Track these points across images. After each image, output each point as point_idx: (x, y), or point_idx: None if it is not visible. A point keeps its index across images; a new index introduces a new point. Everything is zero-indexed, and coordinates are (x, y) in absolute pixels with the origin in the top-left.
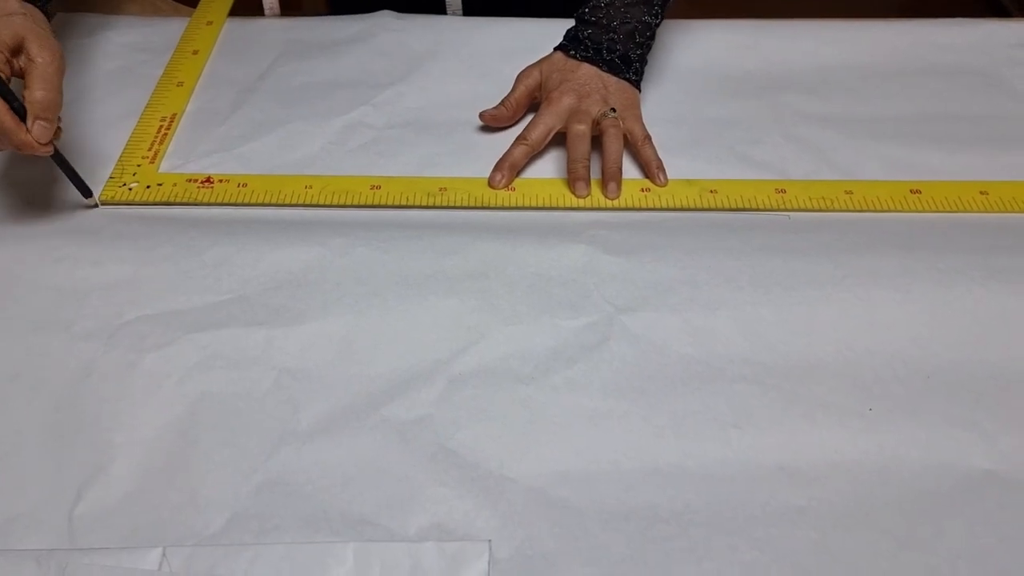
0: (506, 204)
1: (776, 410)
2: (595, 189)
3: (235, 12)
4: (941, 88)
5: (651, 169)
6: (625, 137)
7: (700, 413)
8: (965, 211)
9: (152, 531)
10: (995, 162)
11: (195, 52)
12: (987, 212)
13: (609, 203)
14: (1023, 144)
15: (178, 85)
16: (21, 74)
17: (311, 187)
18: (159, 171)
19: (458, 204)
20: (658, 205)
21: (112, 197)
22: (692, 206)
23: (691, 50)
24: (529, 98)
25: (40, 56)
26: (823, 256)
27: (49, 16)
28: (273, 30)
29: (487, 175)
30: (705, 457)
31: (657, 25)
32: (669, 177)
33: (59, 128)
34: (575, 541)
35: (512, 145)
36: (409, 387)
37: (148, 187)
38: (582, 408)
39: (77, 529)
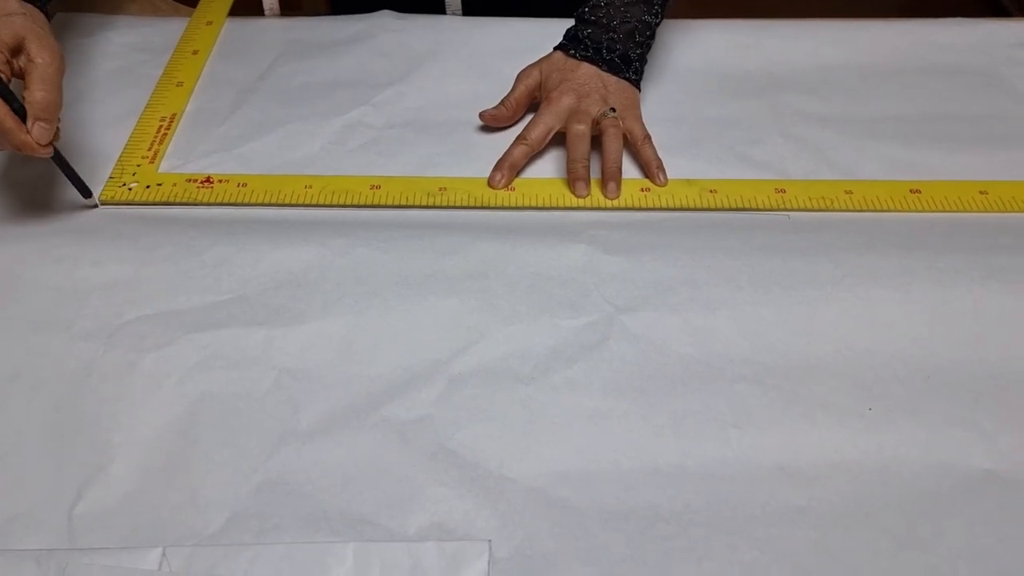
0: (506, 204)
1: (776, 410)
2: (595, 189)
3: (235, 12)
4: (941, 88)
5: (651, 169)
6: (625, 137)
7: (700, 413)
8: (965, 211)
9: (152, 531)
10: (995, 162)
11: (195, 52)
12: (987, 212)
13: (609, 203)
14: (1023, 144)
15: (178, 85)
16: (21, 75)
17: (311, 187)
18: (159, 171)
19: (458, 204)
20: (658, 205)
21: (112, 197)
22: (692, 206)
23: (691, 50)
24: (529, 98)
25: (40, 57)
26: (823, 256)
27: (49, 16)
28: (273, 30)
29: (487, 175)
30: (705, 457)
31: (657, 24)
32: (669, 177)
33: (58, 129)
34: (575, 541)
35: (512, 145)
36: (409, 387)
37: (148, 187)
38: (582, 408)
39: (77, 529)
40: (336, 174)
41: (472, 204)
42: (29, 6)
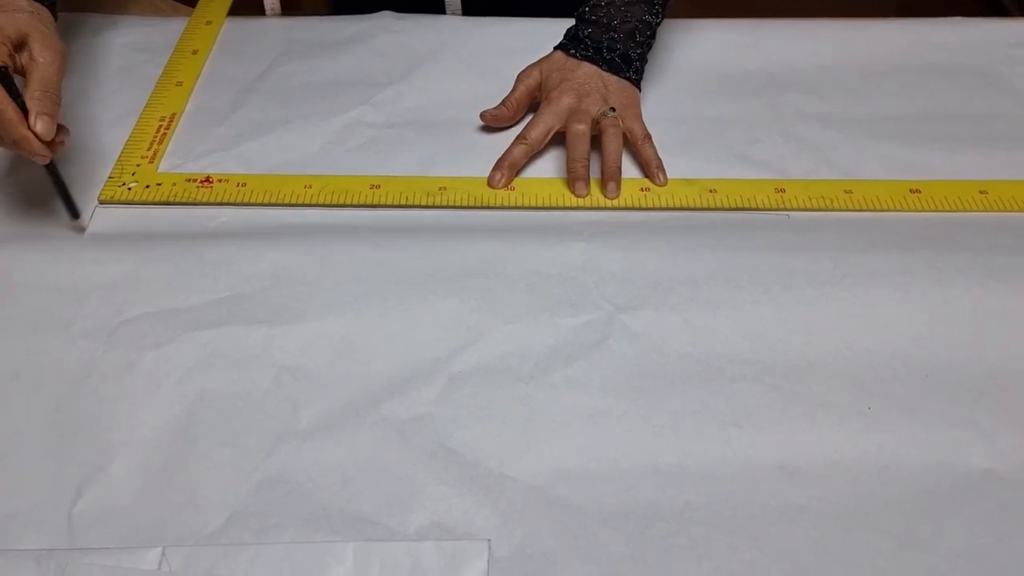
0: (506, 204)
1: (776, 409)
2: (595, 189)
3: (234, 12)
4: (940, 87)
5: (651, 168)
6: (625, 136)
7: (700, 412)
8: (964, 210)
9: (152, 530)
10: (994, 161)
11: (194, 52)
12: (986, 211)
13: (609, 202)
14: (1022, 143)
15: (177, 85)
16: (23, 71)
17: (310, 187)
18: (158, 171)
19: (458, 204)
20: (658, 204)
21: (112, 197)
22: (692, 206)
23: (691, 49)
24: (529, 98)
25: (42, 56)
26: (823, 256)
27: (56, 16)
28: (272, 30)
29: (487, 175)
30: (705, 456)
31: (657, 24)
32: (669, 177)
33: (62, 142)
34: (575, 540)
35: (512, 144)
36: (409, 386)
37: (147, 187)
38: (582, 407)
39: (77, 528)
40: (336, 174)
41: (472, 204)
42: (37, 4)
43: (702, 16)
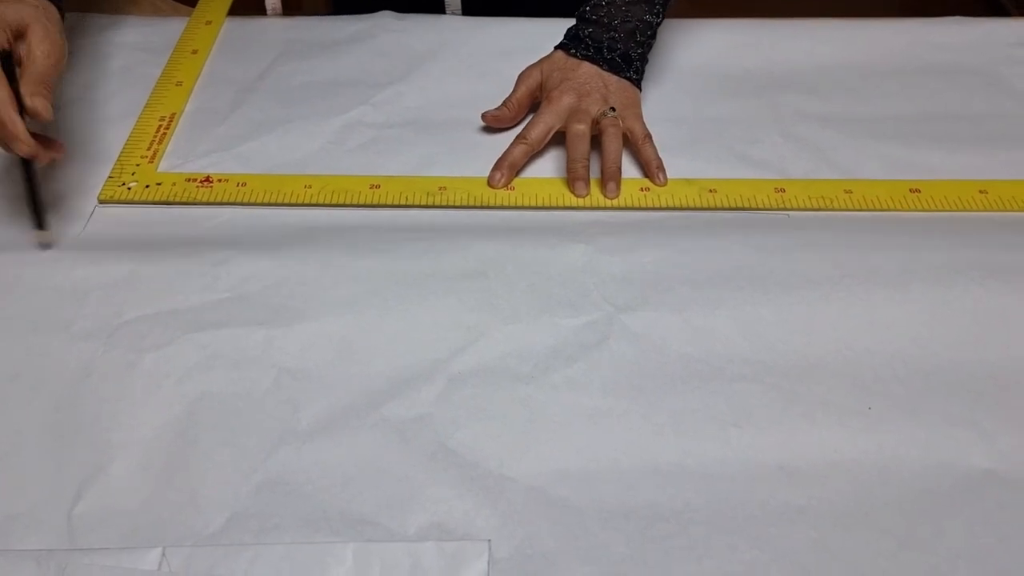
0: (505, 204)
1: (776, 409)
2: (595, 189)
3: (234, 12)
4: (940, 87)
5: (651, 169)
6: (625, 136)
7: (700, 412)
8: (964, 210)
9: (152, 531)
10: (994, 161)
11: (194, 52)
12: (986, 211)
13: (608, 202)
14: (1022, 143)
15: (177, 85)
16: (19, 62)
17: (310, 186)
18: (158, 170)
19: (457, 203)
20: (657, 204)
21: (111, 197)
22: (691, 205)
23: (691, 49)
24: (531, 98)
25: (39, 48)
26: (823, 256)
27: (63, 14)
28: (272, 30)
29: (486, 174)
30: (705, 456)
31: (658, 24)
32: (669, 176)
33: (53, 158)
34: (575, 540)
35: (511, 144)
36: (409, 386)
37: (147, 187)
38: (582, 407)
39: (77, 529)
40: (335, 174)
41: (472, 204)
42: (44, 0)
43: (702, 16)
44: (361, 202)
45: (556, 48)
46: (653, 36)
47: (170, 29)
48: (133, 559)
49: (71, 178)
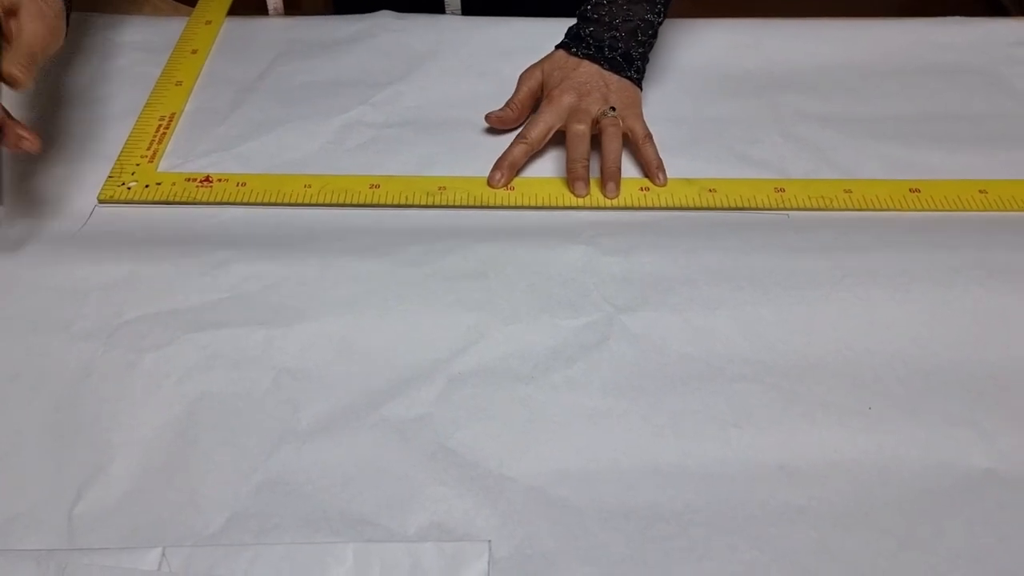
0: (505, 203)
1: (776, 409)
2: (594, 188)
3: (234, 11)
4: (940, 87)
5: (651, 169)
6: (626, 135)
7: (700, 412)
8: (964, 210)
9: (152, 531)
10: (994, 161)
11: (194, 51)
12: (986, 211)
13: (608, 202)
14: (1022, 143)
15: (177, 84)
16: (9, 38)
17: (310, 186)
18: (158, 170)
19: (457, 203)
20: (657, 204)
21: (111, 196)
22: (691, 205)
23: (691, 49)
24: (533, 98)
25: (30, 25)
26: (822, 255)
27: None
28: (272, 29)
29: (486, 174)
30: (705, 456)
31: (659, 24)
32: (669, 176)
33: (26, 138)
34: (575, 540)
35: (511, 144)
36: (409, 386)
37: (147, 186)
38: (582, 407)
39: (77, 529)
40: (335, 173)
41: (471, 203)
42: None
43: (702, 16)
44: (361, 202)
45: (557, 47)
46: (654, 35)
47: (170, 29)
48: (133, 559)
49: (71, 178)
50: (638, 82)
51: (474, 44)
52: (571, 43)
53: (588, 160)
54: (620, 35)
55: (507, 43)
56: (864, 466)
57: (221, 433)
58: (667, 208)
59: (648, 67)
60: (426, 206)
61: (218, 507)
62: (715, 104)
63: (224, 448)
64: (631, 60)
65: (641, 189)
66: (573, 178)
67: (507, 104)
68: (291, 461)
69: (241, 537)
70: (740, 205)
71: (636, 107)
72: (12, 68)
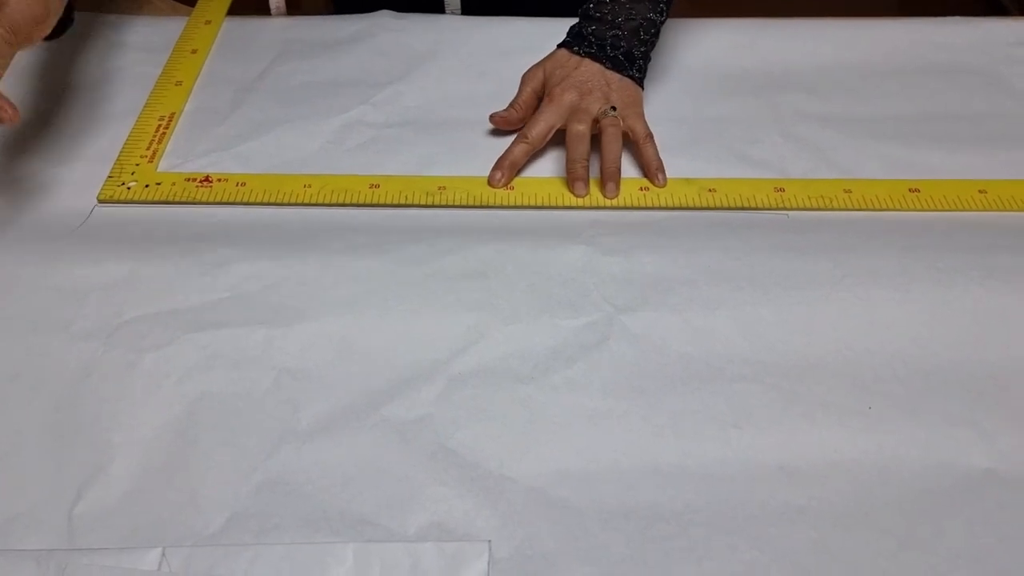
0: (505, 203)
1: (776, 409)
2: (594, 188)
3: (233, 11)
4: (940, 87)
5: (650, 170)
6: (627, 135)
7: (700, 412)
8: (964, 210)
9: (152, 531)
10: (994, 160)
11: (194, 51)
12: (986, 211)
13: (608, 202)
14: (1022, 142)
15: (176, 84)
16: None
17: (310, 186)
18: (158, 170)
19: (457, 203)
20: (657, 204)
21: (111, 196)
22: (691, 205)
23: (690, 49)
24: (536, 98)
25: (18, 2)
26: (822, 255)
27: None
28: (272, 29)
29: (486, 174)
30: (705, 456)
31: (662, 22)
32: (669, 176)
33: (7, 108)
34: (575, 541)
35: (512, 143)
36: (409, 387)
37: (147, 186)
38: (582, 408)
39: (77, 529)
40: (335, 173)
41: (471, 203)
42: None
43: (702, 15)
44: (361, 202)
45: (559, 46)
46: (656, 35)
47: (169, 29)
48: (133, 559)
49: (70, 178)
50: (640, 81)
51: (474, 44)
52: (573, 42)
53: (588, 160)
54: (622, 34)
55: (507, 43)
56: (864, 466)
57: (221, 433)
58: (667, 208)
59: (648, 66)
60: (426, 206)
61: (218, 507)
62: (715, 104)
63: (224, 448)
64: (633, 59)
65: (641, 189)
66: (573, 178)
67: (511, 105)
68: (291, 461)
69: (241, 537)
70: (740, 205)
71: (637, 106)
72: None
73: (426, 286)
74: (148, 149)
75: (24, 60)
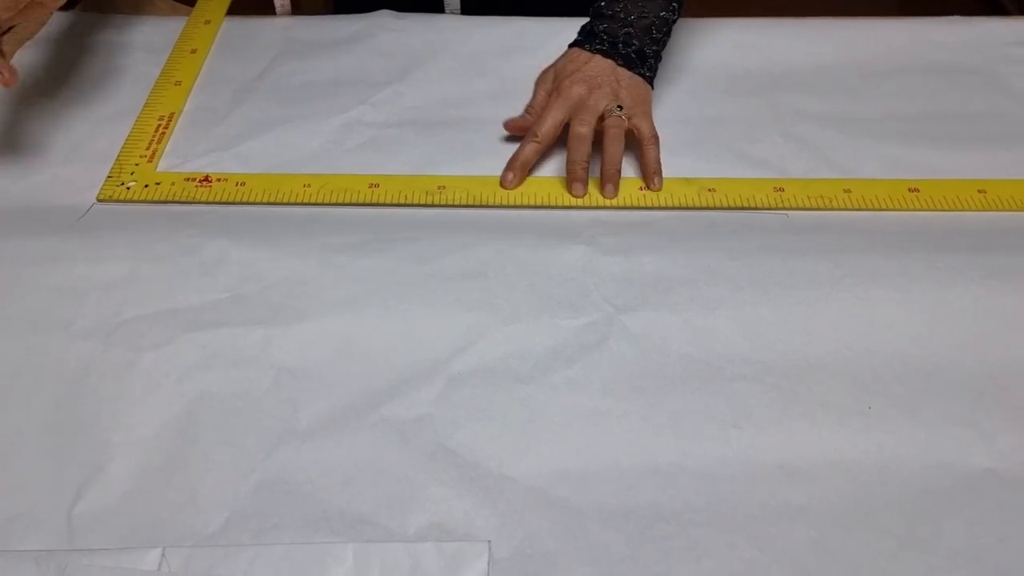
0: (505, 203)
1: (776, 409)
2: (594, 188)
3: (233, 11)
4: (939, 86)
5: (647, 172)
6: (632, 133)
7: (699, 412)
8: (963, 209)
9: (151, 531)
10: (993, 160)
11: (193, 51)
12: (985, 210)
13: (608, 202)
14: (1021, 142)
15: (176, 84)
16: None
17: (309, 186)
18: (157, 170)
19: (457, 203)
20: (657, 204)
21: (110, 196)
22: (691, 204)
23: (691, 49)
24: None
25: None
26: (822, 255)
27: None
28: (271, 29)
29: (486, 173)
30: (705, 456)
31: (674, 22)
32: (668, 175)
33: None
34: (575, 540)
35: (522, 143)
36: (408, 386)
37: (146, 186)
38: (581, 407)
39: (76, 529)
40: (335, 173)
41: (471, 203)
42: None
43: (702, 15)
44: (360, 201)
45: (570, 46)
46: (668, 34)
47: (169, 28)
48: (133, 559)
49: (70, 177)
50: (650, 80)
51: (473, 43)
52: (585, 40)
53: (588, 162)
54: (634, 31)
55: (506, 42)
56: (864, 466)
57: (220, 433)
58: (667, 208)
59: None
60: (425, 205)
61: (217, 507)
62: (715, 103)
63: (223, 448)
64: (645, 57)
65: (641, 189)
66: (572, 179)
67: (526, 109)
68: (291, 461)
69: (240, 537)
70: (739, 205)
71: (645, 105)
72: None
73: (426, 286)
74: (147, 149)
75: (24, 60)
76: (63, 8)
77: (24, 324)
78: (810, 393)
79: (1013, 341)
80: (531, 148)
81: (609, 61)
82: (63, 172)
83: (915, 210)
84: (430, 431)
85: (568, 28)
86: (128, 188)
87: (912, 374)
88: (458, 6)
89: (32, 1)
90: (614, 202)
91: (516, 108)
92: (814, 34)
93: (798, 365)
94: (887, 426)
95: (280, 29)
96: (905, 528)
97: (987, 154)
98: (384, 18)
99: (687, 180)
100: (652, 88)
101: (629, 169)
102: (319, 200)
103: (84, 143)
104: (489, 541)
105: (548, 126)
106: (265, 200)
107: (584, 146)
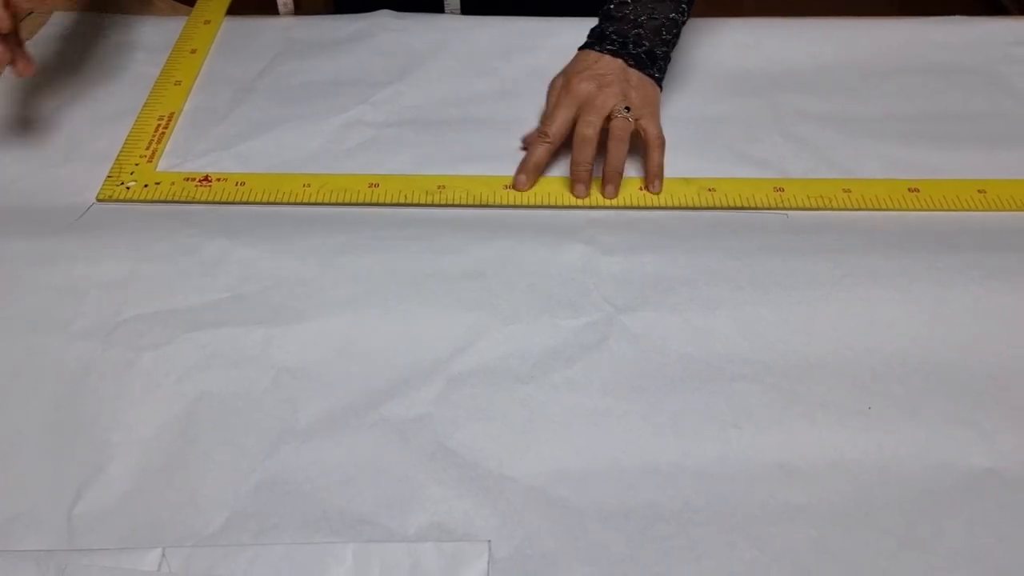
0: (505, 202)
1: (776, 409)
2: (594, 188)
3: (233, 11)
4: (939, 86)
5: (648, 175)
6: (639, 134)
7: (699, 412)
8: (963, 209)
9: (151, 531)
10: (993, 160)
11: (193, 51)
12: (985, 210)
13: (608, 201)
14: (1021, 142)
15: (176, 84)
16: None
17: (309, 186)
18: (157, 170)
19: (456, 202)
20: (657, 204)
21: (110, 196)
22: (691, 204)
23: (691, 48)
24: None
25: None
26: (822, 255)
27: None
28: (271, 29)
29: (485, 173)
30: (704, 456)
31: (683, 23)
32: (668, 175)
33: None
34: (574, 540)
35: (533, 144)
36: (408, 386)
37: (146, 186)
38: (581, 407)
39: (76, 529)
40: (335, 173)
41: (471, 202)
42: None
43: (702, 15)
44: (360, 201)
45: (580, 49)
46: (678, 35)
47: (169, 28)
48: (133, 559)
49: (70, 177)
50: (659, 81)
51: (474, 44)
52: (595, 43)
53: (592, 164)
54: (644, 32)
55: (507, 43)
56: (864, 466)
57: (220, 432)
58: (667, 208)
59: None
60: (425, 205)
61: (217, 507)
62: (715, 103)
63: (223, 448)
64: (655, 58)
65: (641, 189)
66: (575, 180)
67: (541, 119)
68: (290, 461)
69: (240, 537)
70: (739, 204)
71: (653, 106)
72: None
73: (426, 286)
74: (147, 149)
75: None
76: (63, 7)
77: (24, 324)
78: (810, 393)
79: (1013, 341)
80: (543, 149)
81: (619, 61)
82: (63, 172)
83: (915, 210)
84: (430, 431)
85: (568, 28)
86: (128, 188)
87: (912, 374)
88: (458, 6)
89: None
90: (614, 202)
91: (516, 108)
92: (814, 34)
93: (798, 365)
94: (887, 426)
95: (280, 29)
96: (905, 528)
97: (987, 154)
98: (384, 18)
99: (687, 180)
100: (661, 89)
101: (631, 169)
102: (319, 200)
103: (84, 143)
104: (489, 541)
105: (558, 124)
106: (265, 200)
107: (589, 148)
